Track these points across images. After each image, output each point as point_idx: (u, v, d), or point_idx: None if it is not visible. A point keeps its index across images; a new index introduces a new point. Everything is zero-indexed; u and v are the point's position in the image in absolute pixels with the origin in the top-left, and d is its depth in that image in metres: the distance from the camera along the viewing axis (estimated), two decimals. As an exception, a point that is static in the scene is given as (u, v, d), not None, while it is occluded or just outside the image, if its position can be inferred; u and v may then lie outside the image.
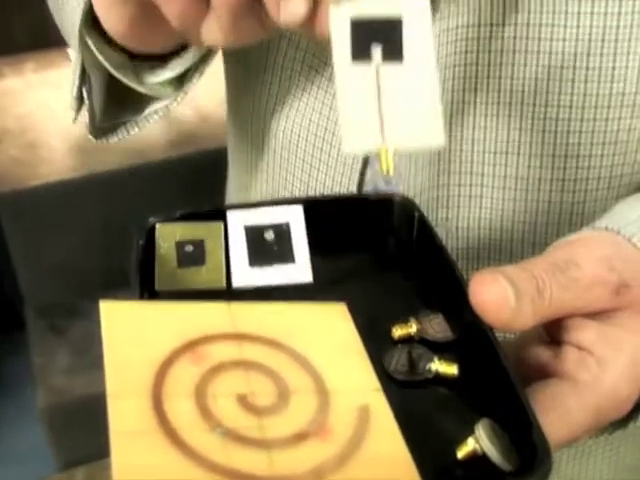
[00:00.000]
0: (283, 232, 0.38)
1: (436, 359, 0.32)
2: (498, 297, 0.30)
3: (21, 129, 1.53)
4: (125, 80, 0.44)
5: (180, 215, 0.39)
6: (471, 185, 0.47)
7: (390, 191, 0.49)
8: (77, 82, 0.44)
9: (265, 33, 0.36)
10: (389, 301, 0.36)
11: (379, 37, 0.32)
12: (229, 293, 0.37)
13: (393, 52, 0.32)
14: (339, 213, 0.39)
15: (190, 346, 0.31)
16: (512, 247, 0.49)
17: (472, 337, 0.32)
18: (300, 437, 0.28)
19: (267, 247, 0.38)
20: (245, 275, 0.37)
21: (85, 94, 0.45)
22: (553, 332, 0.33)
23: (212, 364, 0.30)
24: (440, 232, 0.49)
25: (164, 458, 0.26)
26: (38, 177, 1.45)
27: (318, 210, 0.39)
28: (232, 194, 0.65)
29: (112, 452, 0.26)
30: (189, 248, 0.38)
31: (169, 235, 0.38)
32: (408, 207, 0.39)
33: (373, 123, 0.31)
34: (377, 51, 0.32)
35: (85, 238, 1.51)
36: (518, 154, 0.46)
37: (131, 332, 0.31)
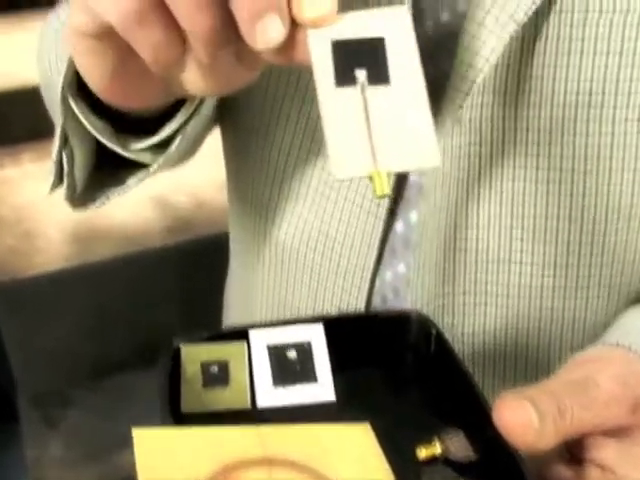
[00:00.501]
0: (305, 351, 0.40)
1: (462, 482, 0.33)
2: (523, 420, 0.32)
3: (18, 218, 1.55)
4: (108, 143, 0.43)
5: (205, 336, 0.40)
6: (476, 293, 0.49)
7: (400, 307, 0.50)
8: (57, 148, 0.44)
9: (246, 72, 0.34)
10: (411, 419, 0.38)
11: (362, 59, 0.31)
12: (254, 413, 0.38)
13: (379, 74, 0.31)
14: (359, 330, 0.41)
15: (224, 472, 0.32)
16: (517, 352, 0.50)
17: (497, 458, 0.33)
18: None
19: (290, 366, 0.39)
20: (269, 395, 0.39)
21: (65, 159, 0.44)
22: (574, 450, 0.34)
23: (246, 492, 0.31)
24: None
25: None
26: (34, 266, 1.46)
27: (338, 328, 0.40)
28: (233, 293, 0.65)
29: None
30: (214, 369, 0.39)
31: (194, 356, 0.39)
32: (426, 324, 0.41)
33: (363, 147, 0.30)
34: (362, 74, 0.30)
35: (79, 325, 1.50)
36: (521, 263, 0.48)
37: (165, 460, 0.32)
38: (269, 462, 0.33)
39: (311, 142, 0.50)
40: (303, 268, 0.53)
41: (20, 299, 1.47)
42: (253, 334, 0.40)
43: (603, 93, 0.42)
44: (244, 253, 0.60)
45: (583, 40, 0.42)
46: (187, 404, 0.38)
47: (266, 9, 0.29)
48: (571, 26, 0.42)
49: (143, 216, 1.56)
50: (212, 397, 0.39)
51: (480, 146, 0.45)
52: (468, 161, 0.45)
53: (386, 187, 0.29)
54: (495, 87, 0.43)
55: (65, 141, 0.44)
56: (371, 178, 0.29)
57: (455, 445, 0.35)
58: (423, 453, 0.34)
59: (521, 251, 0.47)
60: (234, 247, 0.63)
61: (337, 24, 0.31)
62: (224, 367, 0.39)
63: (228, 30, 0.30)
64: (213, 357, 0.40)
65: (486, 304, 0.49)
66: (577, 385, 0.33)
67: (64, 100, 0.41)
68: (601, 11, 0.41)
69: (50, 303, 1.47)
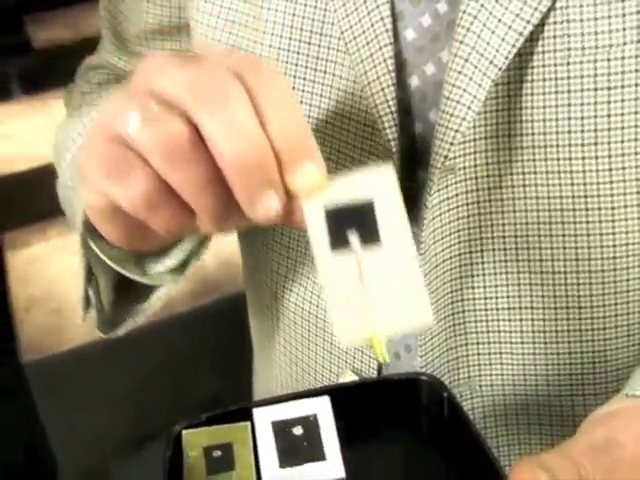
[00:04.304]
0: (311, 426, 0.38)
1: None
2: None
3: (47, 295, 1.56)
4: (128, 274, 0.45)
5: (206, 418, 0.38)
6: (489, 343, 0.47)
7: (412, 364, 0.48)
8: (83, 283, 0.45)
9: (253, 221, 0.36)
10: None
11: (354, 222, 0.33)
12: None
13: (370, 235, 0.32)
14: (367, 398, 0.39)
15: None
16: (538, 401, 0.48)
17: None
18: None
19: (296, 444, 0.37)
20: (277, 477, 0.36)
21: (91, 293, 0.46)
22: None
23: None
24: (464, 391, 0.49)
25: None
26: (65, 342, 1.46)
27: (345, 398, 0.38)
28: (257, 359, 0.65)
29: None
30: (217, 453, 0.37)
31: (196, 441, 0.38)
32: (437, 387, 0.38)
33: (362, 312, 0.31)
34: (354, 237, 0.32)
35: (113, 399, 1.50)
36: (531, 308, 0.46)
37: None
38: None
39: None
40: (316, 330, 0.52)
41: (54, 375, 1.47)
42: (257, 412, 0.38)
43: (595, 130, 0.41)
44: (261, 321, 0.59)
45: (569, 79, 0.40)
46: (191, 493, 0.36)
47: (262, 187, 0.32)
48: (555, 65, 0.40)
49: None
50: (217, 483, 0.37)
51: (477, 193, 0.44)
52: (467, 209, 0.44)
53: (386, 355, 0.31)
54: (487, 133, 0.42)
55: (88, 274, 0.45)
56: (372, 345, 0.31)
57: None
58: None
59: (531, 295, 0.45)
60: (252, 322, 0.63)
61: (328, 189, 0.33)
62: (228, 450, 0.37)
63: (231, 204, 0.33)
64: (216, 440, 0.38)
65: (501, 353, 0.47)
66: (598, 448, 0.31)
67: (84, 242, 0.43)
68: (583, 48, 0.40)
69: (82, 377, 1.47)
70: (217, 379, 1.54)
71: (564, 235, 0.44)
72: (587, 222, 0.44)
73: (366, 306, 0.31)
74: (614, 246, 0.44)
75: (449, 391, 0.38)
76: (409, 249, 0.32)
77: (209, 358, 1.51)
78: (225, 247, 1.56)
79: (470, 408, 0.49)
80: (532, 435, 0.49)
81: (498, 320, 0.47)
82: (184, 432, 0.38)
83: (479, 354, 0.48)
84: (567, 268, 0.45)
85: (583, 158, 0.42)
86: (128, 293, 0.49)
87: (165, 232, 0.35)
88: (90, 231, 0.42)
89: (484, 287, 0.46)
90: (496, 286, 0.46)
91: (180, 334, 1.50)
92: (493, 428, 0.50)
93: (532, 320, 0.46)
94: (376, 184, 0.33)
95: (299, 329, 0.53)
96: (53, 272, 1.59)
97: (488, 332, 0.47)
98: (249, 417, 0.38)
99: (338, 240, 0.32)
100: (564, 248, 0.44)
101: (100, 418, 1.48)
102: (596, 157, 0.42)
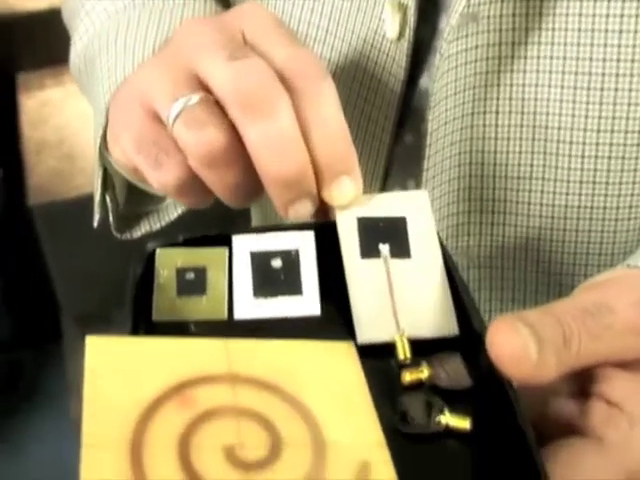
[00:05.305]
0: (292, 260, 0.36)
1: (447, 411, 0.28)
2: (517, 349, 0.27)
3: (59, 140, 1.53)
4: (143, 186, 0.43)
5: (183, 240, 0.36)
6: (493, 212, 0.44)
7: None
8: (99, 189, 0.45)
9: None
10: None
11: (386, 236, 0.34)
12: (230, 325, 0.34)
13: (401, 249, 0.33)
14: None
15: (179, 389, 0.29)
16: (538, 278, 0.46)
17: (487, 388, 0.29)
18: (290, 498, 0.25)
19: (273, 276, 0.35)
20: (248, 306, 0.35)
21: (108, 199, 0.46)
22: (580, 382, 0.30)
23: (200, 410, 0.28)
24: (461, 261, 0.46)
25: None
26: (75, 188, 1.45)
27: (331, 236, 0.36)
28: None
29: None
30: (190, 276, 0.36)
31: (169, 261, 0.36)
32: None
33: (386, 314, 0.32)
34: (385, 248, 0.33)
35: (120, 247, 1.50)
36: (543, 179, 0.43)
37: (117, 372, 0.29)
38: (232, 379, 0.29)
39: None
40: None
41: (61, 220, 1.46)
42: (236, 240, 0.36)
43: None
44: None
45: None
46: (159, 312, 0.35)
47: (297, 198, 0.33)
48: None
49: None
50: (186, 306, 0.35)
51: (500, 47, 0.40)
52: (486, 65, 0.40)
53: (408, 352, 0.31)
54: None
55: (104, 180, 0.45)
56: (394, 344, 0.31)
57: (449, 371, 0.31)
58: (408, 377, 0.30)
59: (544, 166, 0.42)
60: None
61: (363, 202, 0.34)
62: (201, 274, 0.36)
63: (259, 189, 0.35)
64: (190, 262, 0.36)
65: (504, 224, 0.44)
66: (587, 311, 0.28)
67: (100, 153, 0.43)
68: None
69: (90, 224, 1.46)
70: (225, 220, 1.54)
71: (588, 103, 0.41)
72: (615, 89, 0.40)
73: (391, 310, 0.32)
74: (634, 120, 0.40)
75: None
76: (438, 265, 0.33)
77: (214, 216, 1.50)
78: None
79: (465, 280, 0.47)
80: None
81: (506, 189, 0.44)
82: (158, 250, 0.36)
83: (481, 223, 0.45)
84: (587, 139, 0.41)
85: (621, 15, 0.38)
86: (143, 193, 0.47)
87: (188, 205, 0.38)
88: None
89: (495, 152, 0.43)
90: (508, 152, 0.43)
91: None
92: (487, 302, 0.48)
93: (542, 192, 0.43)
94: (410, 204, 0.34)
95: None
96: (66, 117, 1.56)
97: (494, 201, 0.45)
98: (228, 245, 0.36)
99: (369, 250, 0.33)
100: (586, 117, 0.41)
101: (104, 264, 1.49)
102: (637, 14, 0.38)
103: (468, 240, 0.45)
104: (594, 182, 0.42)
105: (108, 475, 0.25)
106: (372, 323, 0.32)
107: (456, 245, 0.46)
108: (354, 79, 0.45)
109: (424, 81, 0.44)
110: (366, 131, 0.45)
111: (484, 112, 0.42)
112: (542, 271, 0.45)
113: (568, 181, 0.42)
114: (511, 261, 0.45)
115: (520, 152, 0.43)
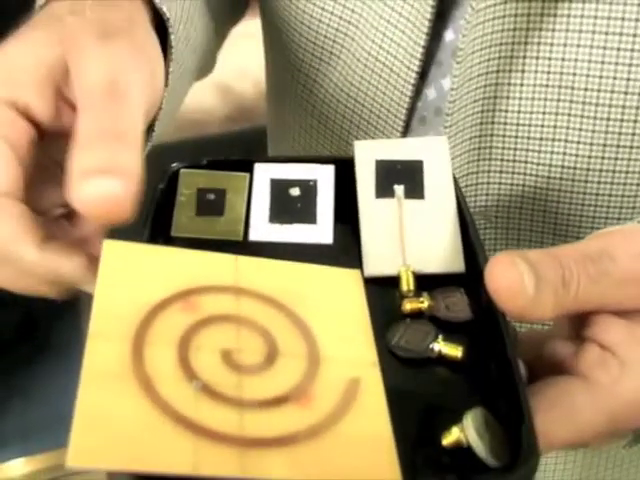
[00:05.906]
0: (309, 190, 0.36)
1: (441, 339, 0.29)
2: (514, 282, 0.27)
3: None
4: None
5: (207, 162, 0.37)
6: (513, 173, 0.44)
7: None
8: None
9: None
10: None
11: (401, 177, 0.35)
12: (244, 246, 0.35)
13: (415, 191, 0.34)
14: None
15: (185, 294, 0.30)
16: (554, 241, 0.46)
17: (483, 321, 0.29)
18: (278, 402, 0.26)
19: (290, 204, 0.36)
20: (263, 230, 0.36)
21: None
22: (577, 326, 0.30)
23: (203, 315, 0.29)
24: (478, 220, 0.47)
25: (130, 403, 0.25)
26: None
27: (351, 171, 0.37)
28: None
29: (79, 390, 0.25)
30: (210, 196, 0.37)
31: (192, 182, 0.37)
32: None
33: (395, 248, 0.33)
34: (400, 189, 0.34)
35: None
36: (565, 142, 0.42)
37: (128, 273, 0.30)
38: (237, 291, 0.30)
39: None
40: (333, 128, 0.50)
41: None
42: (258, 167, 0.37)
43: None
44: (278, 117, 0.57)
45: None
46: (178, 229, 0.36)
47: None
48: None
49: (204, 101, 1.52)
50: (204, 225, 0.36)
51: (529, 3, 0.39)
52: (514, 21, 0.40)
53: (412, 284, 0.32)
54: None
55: None
56: (399, 276, 0.32)
57: (450, 304, 0.31)
58: (408, 306, 0.31)
59: (567, 128, 0.42)
60: (270, 115, 0.60)
61: (383, 144, 0.36)
62: (221, 196, 0.37)
63: None
64: (211, 184, 0.37)
65: (524, 186, 0.44)
66: (589, 256, 0.28)
67: None
68: None
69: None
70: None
71: (617, 64, 0.40)
72: None
73: (400, 245, 0.33)
74: None
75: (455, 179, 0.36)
76: (452, 208, 0.34)
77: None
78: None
79: (482, 239, 0.47)
80: None
81: (527, 150, 0.44)
82: (182, 171, 0.37)
83: (500, 183, 0.45)
84: (614, 101, 0.41)
85: None
86: None
87: None
88: None
89: (518, 112, 0.43)
90: (531, 112, 0.43)
91: (207, 155, 1.48)
92: None
93: (564, 154, 0.43)
94: (429, 148, 0.35)
95: (315, 125, 0.51)
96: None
97: (514, 161, 0.44)
98: (250, 171, 0.37)
99: (384, 190, 0.34)
100: (614, 78, 0.40)
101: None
102: None
103: (486, 201, 0.45)
104: (618, 145, 0.41)
105: (109, 363, 0.26)
106: (380, 258, 0.33)
107: (473, 205, 0.46)
108: (377, 30, 0.45)
109: (448, 34, 0.44)
110: (388, 83, 0.45)
111: (510, 70, 0.42)
112: (559, 234, 0.45)
113: (591, 144, 0.42)
114: (528, 223, 0.45)
115: (544, 113, 0.42)
